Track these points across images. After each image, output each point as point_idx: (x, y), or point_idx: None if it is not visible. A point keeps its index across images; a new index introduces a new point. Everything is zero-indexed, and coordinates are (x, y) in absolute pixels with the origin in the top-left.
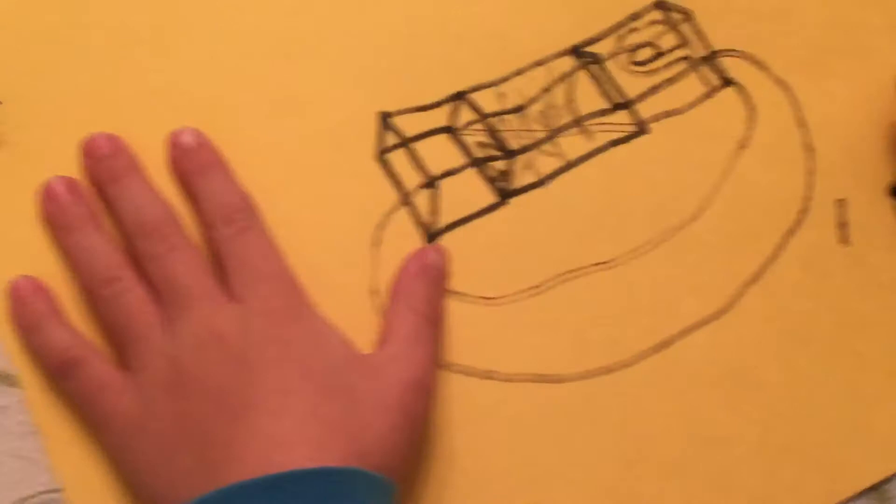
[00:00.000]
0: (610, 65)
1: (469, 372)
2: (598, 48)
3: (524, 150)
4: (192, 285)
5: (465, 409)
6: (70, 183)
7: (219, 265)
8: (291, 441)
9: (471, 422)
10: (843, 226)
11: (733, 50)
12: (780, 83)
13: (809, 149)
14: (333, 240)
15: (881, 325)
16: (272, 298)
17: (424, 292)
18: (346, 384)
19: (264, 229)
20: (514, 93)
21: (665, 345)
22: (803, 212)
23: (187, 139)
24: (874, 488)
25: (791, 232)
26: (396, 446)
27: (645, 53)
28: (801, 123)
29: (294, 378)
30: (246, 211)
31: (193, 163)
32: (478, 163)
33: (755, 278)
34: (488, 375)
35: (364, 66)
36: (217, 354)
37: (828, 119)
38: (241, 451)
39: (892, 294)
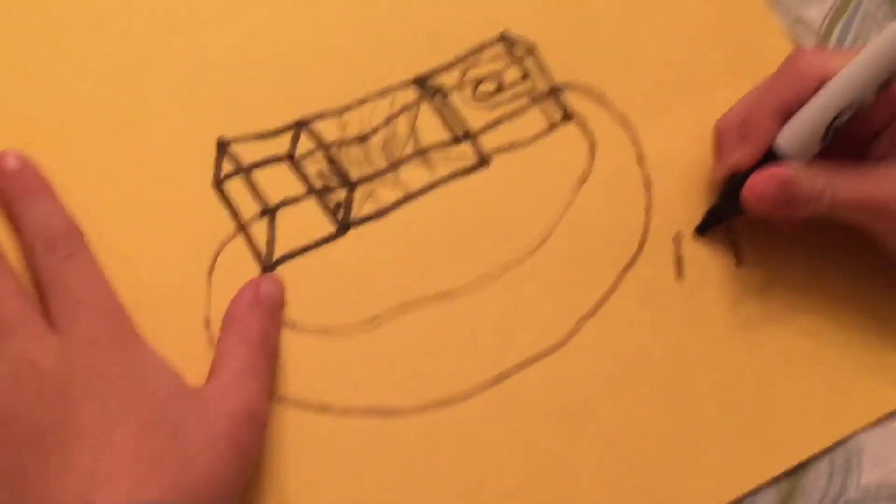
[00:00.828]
0: (454, 96)
1: (304, 405)
2: (443, 79)
3: (365, 180)
4: (10, 314)
5: (299, 444)
6: None
7: (42, 293)
8: (111, 478)
9: (305, 456)
10: (678, 261)
11: (575, 84)
12: (621, 118)
13: (648, 184)
14: (168, 269)
15: (713, 359)
16: (95, 328)
17: (258, 323)
18: (172, 417)
19: (90, 256)
20: (357, 122)
21: (503, 377)
22: (641, 246)
23: (10, 162)
24: None
25: (629, 266)
26: (225, 480)
27: (488, 86)
28: (641, 158)
29: (116, 411)
30: (70, 237)
31: (16, 186)
32: (317, 192)
33: (592, 312)
34: (323, 409)
35: (204, 92)
36: (33, 387)
37: (666, 155)
38: (57, 490)
39: (723, 328)
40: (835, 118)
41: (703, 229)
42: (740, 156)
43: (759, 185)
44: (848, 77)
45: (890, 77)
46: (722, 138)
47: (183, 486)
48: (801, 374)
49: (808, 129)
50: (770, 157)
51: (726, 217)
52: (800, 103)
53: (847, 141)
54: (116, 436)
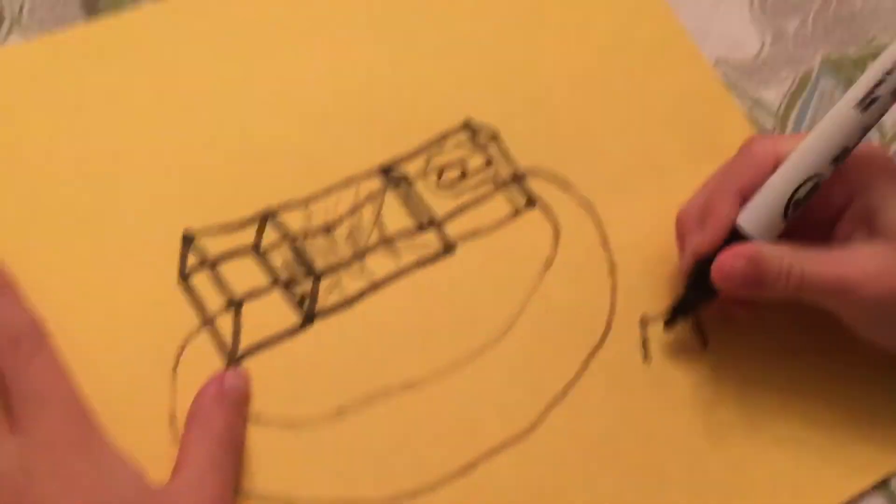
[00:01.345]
0: (418, 184)
1: (269, 498)
2: (407, 167)
3: (330, 270)
4: None
5: None
6: None
7: (4, 393)
8: None
9: None
10: (645, 343)
11: (539, 169)
12: (584, 203)
13: (612, 267)
14: (132, 364)
15: (681, 442)
16: (58, 428)
17: (222, 417)
18: None
19: (54, 355)
20: (322, 212)
21: (470, 467)
22: (607, 330)
23: None
24: None
25: (595, 350)
26: None
27: (452, 173)
28: (605, 242)
29: None
30: (33, 336)
31: None
32: (283, 284)
33: (560, 398)
34: (289, 502)
35: (169, 184)
36: None
37: (630, 238)
38: None
39: (690, 411)
40: (793, 193)
41: (672, 321)
42: (702, 239)
43: (727, 262)
44: (802, 152)
45: (842, 151)
46: (684, 227)
47: None
48: (768, 457)
49: (769, 206)
50: (733, 239)
51: (695, 307)
52: (757, 185)
53: (811, 225)
54: None
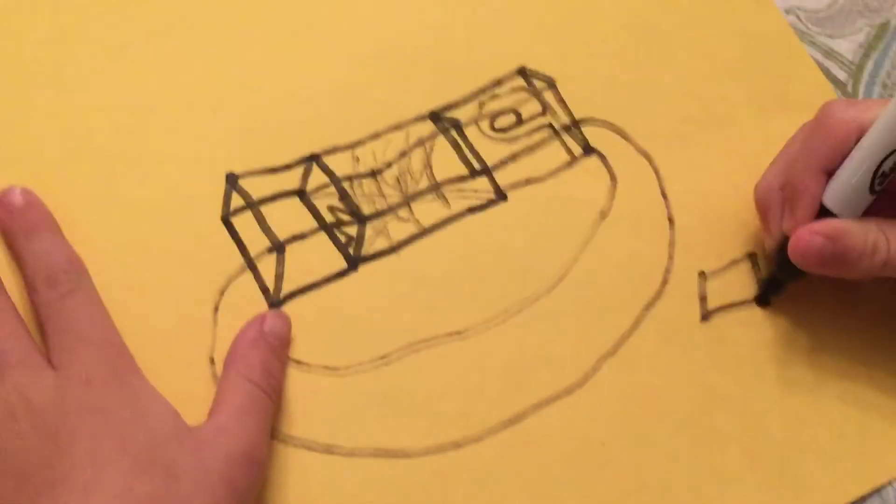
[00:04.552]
0: (469, 131)
1: (309, 446)
2: (458, 114)
3: (377, 215)
4: (8, 350)
5: (303, 486)
6: None
7: (42, 330)
8: None
9: (310, 499)
10: (702, 299)
11: (596, 119)
12: (643, 153)
13: (671, 220)
14: (173, 304)
15: (737, 401)
16: (93, 365)
17: (260, 360)
18: (167, 458)
19: (92, 293)
20: (370, 156)
21: (517, 419)
22: (663, 284)
23: (16, 198)
24: None
25: (650, 305)
26: None
27: (506, 120)
28: (663, 194)
29: (109, 451)
30: (71, 273)
31: (20, 222)
32: (328, 228)
33: (612, 352)
34: (329, 450)
35: (213, 126)
36: (25, 425)
37: (688, 190)
38: None
39: (747, 368)
40: (879, 166)
41: (763, 299)
42: (792, 220)
43: (803, 240)
44: (886, 121)
45: None
46: (765, 204)
47: None
48: (832, 418)
49: (854, 182)
50: (821, 217)
51: (785, 284)
52: (840, 158)
53: None
54: (107, 476)
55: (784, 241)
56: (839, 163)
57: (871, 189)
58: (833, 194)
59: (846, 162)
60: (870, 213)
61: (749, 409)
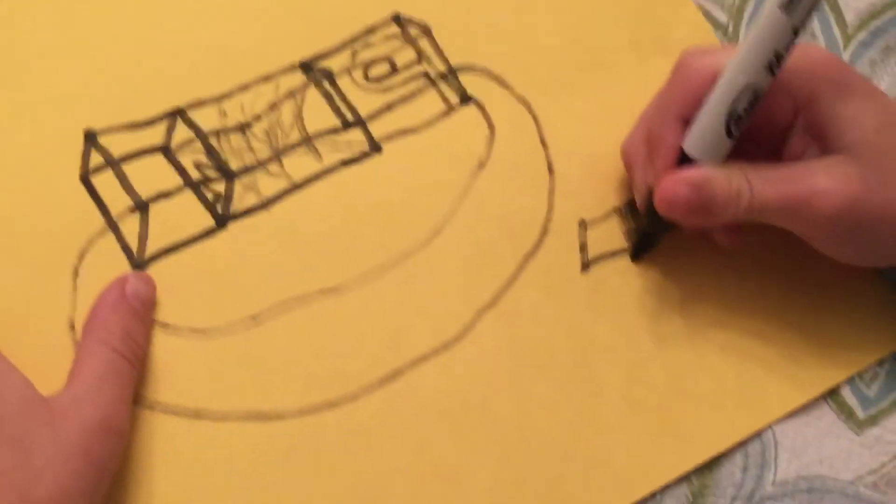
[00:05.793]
0: (342, 81)
1: (177, 411)
2: (330, 63)
3: (246, 171)
4: None
5: (172, 453)
6: None
7: None
8: None
9: (178, 466)
10: (583, 249)
11: (473, 66)
12: (521, 100)
13: (550, 169)
14: (29, 269)
15: (618, 351)
16: None
17: (121, 325)
18: (18, 431)
19: None
20: (237, 110)
21: (394, 376)
22: (543, 234)
23: None
24: None
25: (530, 255)
26: (76, 495)
27: (380, 69)
28: (543, 143)
29: None
30: None
31: None
32: (194, 185)
33: (492, 304)
34: (198, 415)
35: (70, 80)
36: None
37: (568, 137)
38: None
39: (627, 318)
40: (732, 107)
41: (637, 254)
42: (652, 172)
43: (668, 190)
44: (734, 63)
45: (775, 56)
46: (631, 160)
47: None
48: (712, 366)
49: (710, 125)
50: (682, 164)
51: (658, 237)
52: (696, 105)
53: (762, 144)
54: None
55: (651, 195)
56: (696, 108)
57: (728, 133)
58: (692, 140)
59: (702, 106)
60: (734, 159)
61: (630, 358)
